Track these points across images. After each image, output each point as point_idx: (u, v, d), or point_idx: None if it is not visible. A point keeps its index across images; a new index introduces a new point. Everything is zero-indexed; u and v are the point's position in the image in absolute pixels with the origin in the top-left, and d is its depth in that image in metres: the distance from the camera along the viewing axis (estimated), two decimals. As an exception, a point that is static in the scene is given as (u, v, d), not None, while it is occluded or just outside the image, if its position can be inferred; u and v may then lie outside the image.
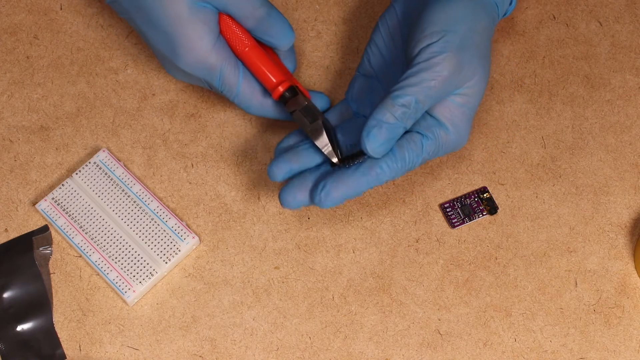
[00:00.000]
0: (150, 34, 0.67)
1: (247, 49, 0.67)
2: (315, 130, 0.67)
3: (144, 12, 0.66)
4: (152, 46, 0.68)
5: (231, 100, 0.69)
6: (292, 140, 0.70)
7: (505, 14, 0.70)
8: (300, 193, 0.66)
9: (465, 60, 0.64)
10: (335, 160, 0.67)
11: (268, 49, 0.70)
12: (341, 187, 0.64)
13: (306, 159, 0.68)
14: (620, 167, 0.73)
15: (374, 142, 0.63)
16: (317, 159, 0.68)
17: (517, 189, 0.72)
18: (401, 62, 0.69)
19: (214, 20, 0.66)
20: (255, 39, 0.68)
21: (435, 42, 0.64)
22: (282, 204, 0.66)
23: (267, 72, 0.67)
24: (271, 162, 0.67)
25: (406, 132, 0.66)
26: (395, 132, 0.64)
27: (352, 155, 0.66)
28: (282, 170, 0.67)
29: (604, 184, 0.72)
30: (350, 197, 0.65)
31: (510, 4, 0.70)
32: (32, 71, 0.76)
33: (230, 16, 0.67)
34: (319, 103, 0.72)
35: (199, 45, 0.66)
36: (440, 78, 0.64)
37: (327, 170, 0.67)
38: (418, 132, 0.65)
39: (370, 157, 0.65)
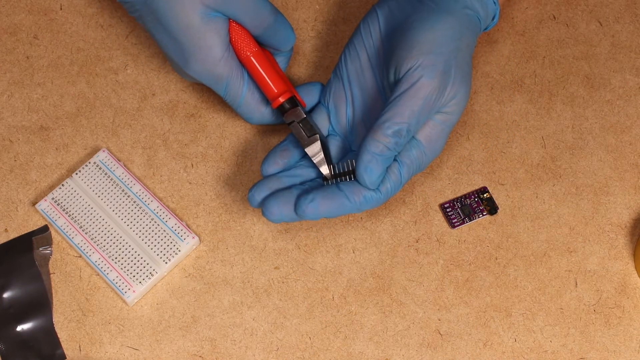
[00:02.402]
0: (159, 37, 0.67)
1: (252, 55, 0.67)
2: (311, 144, 0.67)
3: (156, 16, 0.66)
4: (160, 47, 0.68)
5: (234, 109, 0.69)
6: (278, 158, 0.69)
7: (486, 28, 0.70)
8: (285, 206, 0.66)
9: (449, 81, 0.64)
10: (325, 172, 0.67)
11: (267, 53, 0.69)
12: (326, 203, 0.65)
13: (288, 180, 0.68)
14: (621, 167, 0.73)
15: (372, 175, 0.64)
16: (297, 181, 0.68)
17: (517, 189, 0.72)
18: (377, 69, 0.68)
19: (225, 30, 0.66)
20: (258, 42, 0.68)
21: (420, 64, 0.64)
22: (265, 215, 0.66)
23: (270, 82, 0.67)
24: (252, 187, 0.67)
25: None
26: (389, 161, 0.64)
27: (343, 173, 0.67)
28: (263, 195, 0.67)
29: (604, 184, 0.72)
30: (329, 215, 0.65)
31: (493, 19, 0.70)
32: (32, 71, 0.76)
33: (238, 23, 0.67)
34: (313, 96, 0.71)
35: (209, 55, 0.66)
36: (428, 104, 0.64)
37: (313, 185, 0.67)
38: (395, 161, 0.66)
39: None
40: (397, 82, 0.64)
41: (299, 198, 0.65)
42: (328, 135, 0.70)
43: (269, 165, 0.69)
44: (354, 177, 0.66)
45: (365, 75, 0.69)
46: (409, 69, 0.64)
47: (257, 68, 0.67)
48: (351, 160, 0.68)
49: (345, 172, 0.67)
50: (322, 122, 0.70)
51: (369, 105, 0.69)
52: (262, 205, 0.66)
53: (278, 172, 0.69)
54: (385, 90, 0.67)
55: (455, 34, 0.65)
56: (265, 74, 0.67)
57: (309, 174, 0.69)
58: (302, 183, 0.68)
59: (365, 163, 0.64)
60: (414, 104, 0.63)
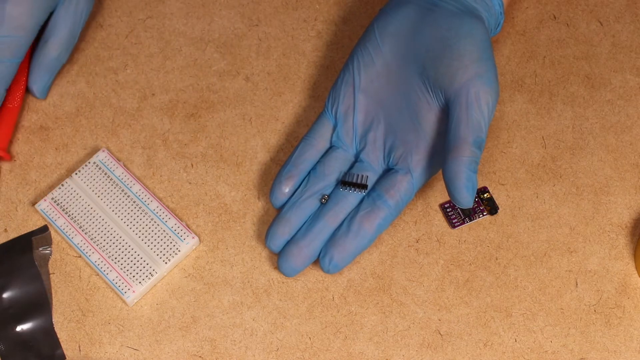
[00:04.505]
0: None
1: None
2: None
3: None
4: None
5: None
6: (283, 187, 0.69)
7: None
8: (296, 262, 0.67)
9: (498, 84, 0.66)
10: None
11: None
12: (343, 255, 0.66)
13: (297, 219, 0.68)
14: (621, 167, 0.73)
15: (473, 195, 0.64)
16: (305, 214, 0.68)
17: (518, 189, 0.72)
18: (403, 76, 0.68)
19: None
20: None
21: (476, 73, 0.64)
22: (284, 274, 0.68)
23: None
24: (267, 236, 0.68)
25: (397, 174, 0.67)
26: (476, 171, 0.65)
27: (354, 183, 0.68)
28: (278, 243, 0.68)
29: (605, 184, 0.72)
30: (354, 258, 0.67)
31: (497, 27, 0.70)
32: (31, 71, 0.76)
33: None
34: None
35: None
36: (493, 111, 0.64)
37: (323, 234, 0.67)
38: (407, 172, 0.67)
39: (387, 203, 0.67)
40: (458, 93, 0.64)
41: (319, 259, 0.67)
42: (331, 146, 0.70)
43: (276, 199, 0.69)
44: (362, 189, 0.68)
45: (381, 82, 0.68)
46: (468, 79, 0.64)
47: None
48: (362, 175, 0.68)
49: (356, 184, 0.67)
50: (325, 132, 0.70)
51: (391, 112, 0.68)
52: (278, 265, 0.68)
53: (285, 203, 0.69)
54: (414, 96, 0.67)
55: (487, 37, 0.66)
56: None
57: (314, 204, 0.68)
58: (311, 214, 0.68)
59: (466, 187, 0.63)
60: (484, 113, 0.64)
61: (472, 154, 0.63)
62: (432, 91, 0.66)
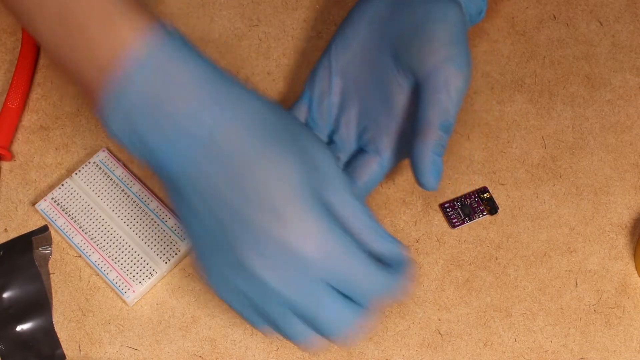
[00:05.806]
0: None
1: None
2: None
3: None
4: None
5: None
6: None
7: (471, 23, 0.69)
8: None
9: (471, 68, 0.65)
10: None
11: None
12: None
13: None
14: (621, 167, 0.73)
15: (437, 179, 0.63)
16: None
17: (518, 189, 0.72)
18: (377, 58, 0.67)
19: None
20: None
21: (447, 56, 0.63)
22: None
23: None
24: None
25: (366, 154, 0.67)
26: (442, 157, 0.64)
27: None
28: None
29: (605, 184, 0.72)
30: None
31: (480, 14, 0.69)
32: (31, 71, 0.76)
33: None
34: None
35: None
36: (463, 95, 0.63)
37: None
38: (378, 155, 0.67)
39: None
40: (428, 75, 0.63)
41: None
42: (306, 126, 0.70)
43: None
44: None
45: (357, 65, 0.68)
46: (438, 62, 0.63)
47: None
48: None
49: None
50: (300, 115, 0.70)
51: (365, 95, 0.68)
52: None
53: None
54: (387, 79, 0.67)
55: (461, 22, 0.65)
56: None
57: None
58: None
59: (430, 170, 0.63)
60: (452, 96, 0.63)
61: (438, 138, 0.62)
62: (404, 74, 0.66)
